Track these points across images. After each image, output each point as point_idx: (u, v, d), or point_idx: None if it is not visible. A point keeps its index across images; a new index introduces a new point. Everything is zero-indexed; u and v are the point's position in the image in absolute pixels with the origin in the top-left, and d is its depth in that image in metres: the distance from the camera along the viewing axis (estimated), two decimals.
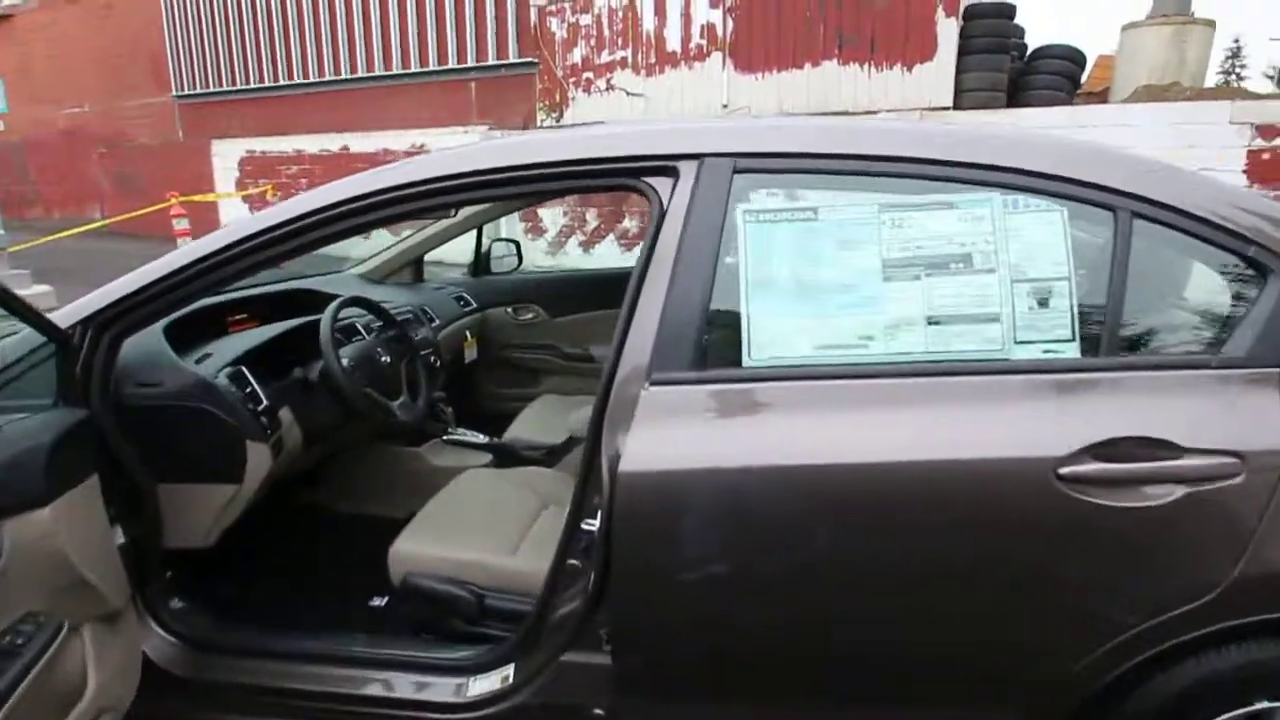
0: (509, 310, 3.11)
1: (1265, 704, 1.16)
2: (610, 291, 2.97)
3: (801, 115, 6.77)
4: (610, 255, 8.09)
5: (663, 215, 1.29)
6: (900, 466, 1.16)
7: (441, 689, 1.48)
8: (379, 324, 2.31)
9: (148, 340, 1.61)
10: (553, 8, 8.31)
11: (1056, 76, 7.04)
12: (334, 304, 2.00)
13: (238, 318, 2.11)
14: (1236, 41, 29.09)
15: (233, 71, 11.23)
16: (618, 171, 1.36)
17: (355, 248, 2.53)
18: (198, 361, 1.75)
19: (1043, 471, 1.11)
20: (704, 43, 7.69)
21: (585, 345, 3.04)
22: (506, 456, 2.43)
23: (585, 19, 8.18)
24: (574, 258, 8.29)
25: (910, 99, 6.90)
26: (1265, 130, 5.70)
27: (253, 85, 11.07)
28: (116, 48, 12.40)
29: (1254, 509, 1.10)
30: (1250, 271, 1.18)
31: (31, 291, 6.15)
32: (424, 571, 1.67)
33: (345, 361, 1.97)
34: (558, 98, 8.48)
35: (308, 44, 10.38)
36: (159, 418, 1.57)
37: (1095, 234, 1.20)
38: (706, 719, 1.39)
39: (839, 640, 1.25)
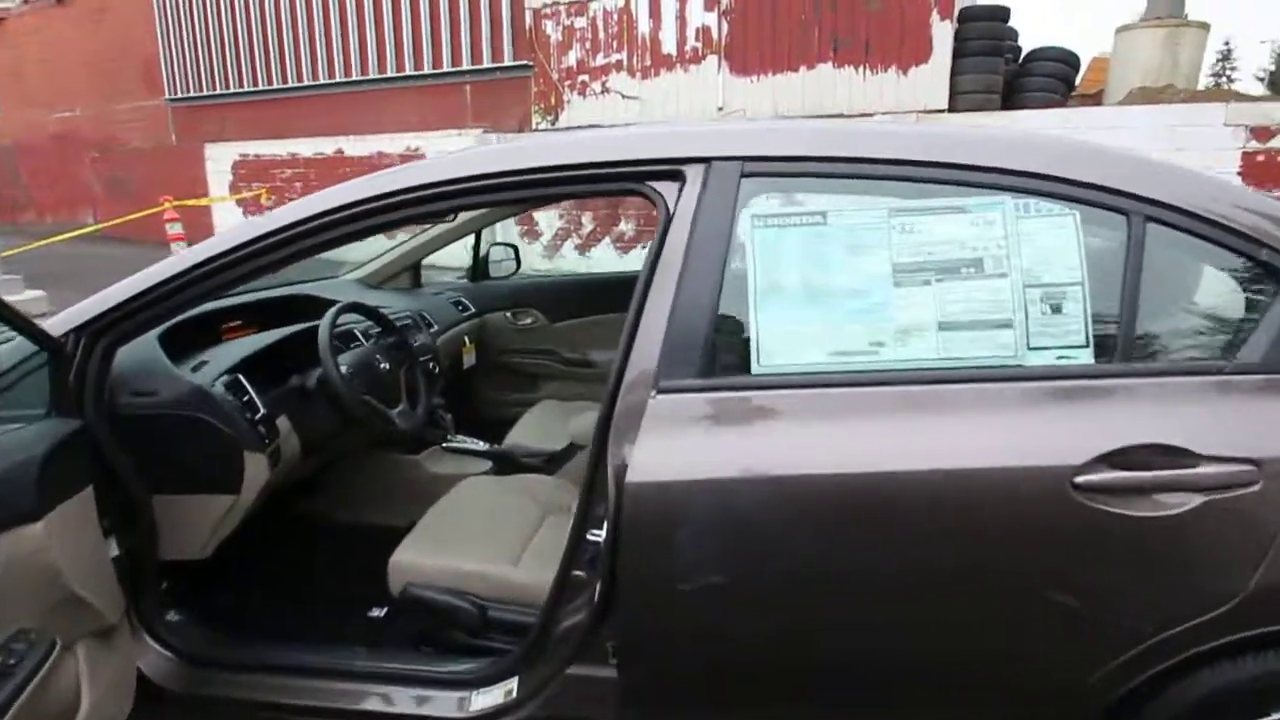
0: (508, 315, 3.09)
1: None
2: (609, 296, 2.98)
3: (805, 118, 6.77)
4: (606, 258, 8.07)
5: (669, 220, 1.27)
6: (914, 476, 1.13)
7: (443, 703, 1.45)
8: (377, 330, 2.29)
9: (143, 348, 1.58)
10: (548, 10, 8.30)
11: (1051, 79, 7.07)
12: (332, 310, 1.98)
13: (232, 324, 2.09)
14: (1227, 44, 29.28)
15: (226, 75, 11.17)
16: (622, 176, 1.34)
17: (351, 252, 2.50)
18: (193, 370, 1.72)
19: (1059, 481, 1.09)
20: (699, 45, 7.69)
21: (584, 350, 3.02)
22: (506, 463, 2.40)
23: (580, 22, 8.17)
24: (570, 261, 8.27)
25: (905, 101, 6.91)
26: (1259, 132, 5.72)
27: (246, 89, 11.02)
28: (109, 51, 12.33)
29: (1272, 517, 1.08)
30: (1264, 275, 1.16)
31: (24, 297, 6.10)
32: (424, 583, 1.64)
33: (344, 369, 1.94)
34: (553, 101, 8.47)
35: (302, 47, 10.33)
36: (155, 427, 1.54)
37: (1108, 238, 1.19)
38: None
39: (853, 650, 1.23)
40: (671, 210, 1.27)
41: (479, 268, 3.13)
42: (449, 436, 2.48)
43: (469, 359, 2.93)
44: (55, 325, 1.40)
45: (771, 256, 1.24)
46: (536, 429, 2.55)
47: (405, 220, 1.42)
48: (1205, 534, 1.10)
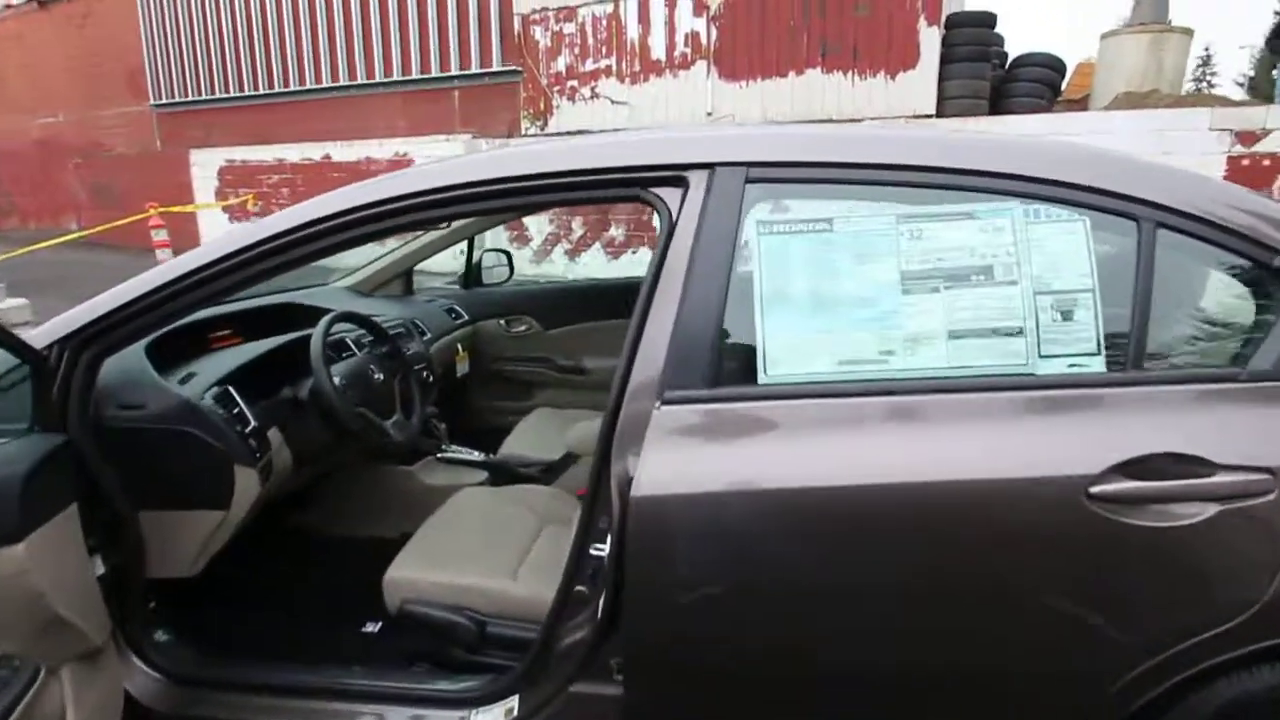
0: (501, 322, 3.05)
1: None
2: (604, 302, 2.96)
3: (798, 123, 6.78)
4: (596, 263, 8.05)
5: (672, 227, 1.24)
6: (927, 487, 1.11)
7: None
8: (370, 339, 2.25)
9: (129, 360, 1.53)
10: (537, 16, 8.28)
11: (1037, 84, 7.11)
12: (325, 319, 1.94)
13: (220, 333, 2.04)
14: (1207, 50, 29.70)
15: (212, 80, 11.08)
16: (624, 182, 1.31)
17: (342, 259, 2.46)
18: (181, 381, 1.68)
19: (1074, 491, 1.07)
20: (688, 51, 7.69)
21: (579, 357, 2.99)
22: (502, 474, 2.36)
23: (569, 27, 8.16)
24: (560, 266, 8.23)
25: (894, 107, 6.93)
26: (1244, 136, 5.77)
27: (233, 93, 10.93)
28: (92, 56, 12.21)
29: None
30: (1276, 281, 1.15)
31: (6, 305, 6.00)
32: (421, 599, 1.60)
33: (337, 380, 1.90)
34: (542, 106, 8.44)
35: (288, 51, 10.26)
36: (142, 442, 1.50)
37: (1118, 244, 1.17)
38: None
39: (867, 665, 1.20)
40: (675, 217, 1.24)
41: (472, 274, 3.10)
42: (443, 447, 2.44)
43: (462, 367, 2.89)
44: (38, 337, 1.36)
45: (777, 264, 1.21)
46: (532, 438, 2.51)
47: (404, 227, 1.39)
48: (1222, 543, 1.08)
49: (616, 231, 7.96)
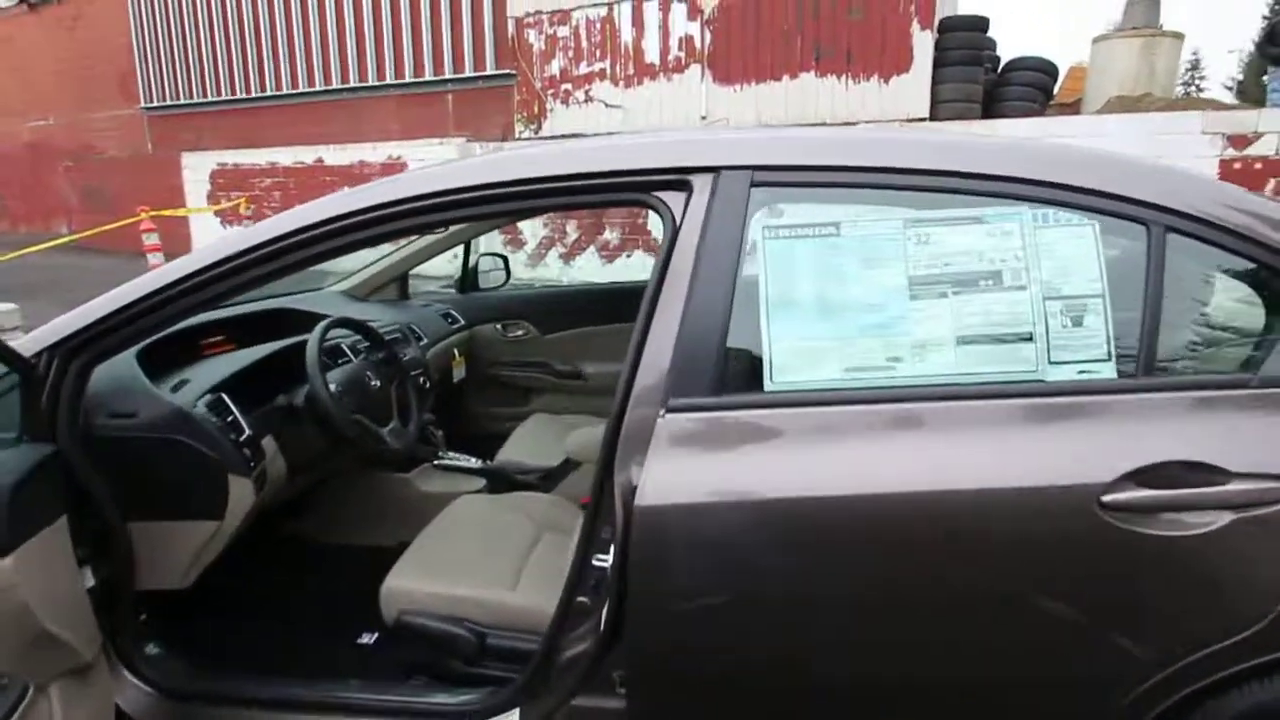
0: (498, 327, 3.02)
1: None
2: (601, 307, 2.94)
3: (792, 126, 6.78)
4: (591, 267, 8.02)
5: (676, 231, 1.22)
6: (938, 496, 1.09)
7: None
8: (366, 345, 2.22)
9: (120, 367, 1.50)
10: (530, 19, 8.26)
11: (1029, 88, 7.13)
12: (321, 325, 1.91)
13: (213, 340, 2.01)
14: (1195, 54, 29.92)
15: (203, 82, 11.00)
16: (626, 185, 1.29)
17: (336, 263, 2.43)
18: (174, 389, 1.65)
19: (1085, 500, 1.06)
20: (682, 55, 7.69)
21: (576, 362, 2.97)
22: (500, 481, 2.34)
23: (563, 31, 8.14)
24: (555, 270, 8.21)
25: (888, 110, 6.95)
26: (1236, 140, 5.80)
27: (225, 97, 10.86)
28: (83, 59, 12.11)
29: None
30: None
31: None
32: (419, 610, 1.58)
33: (333, 387, 1.87)
34: (536, 109, 8.42)
35: (280, 54, 10.20)
36: (133, 451, 1.46)
37: (1128, 249, 1.16)
38: None
39: (876, 676, 1.18)
40: (679, 221, 1.22)
41: (468, 278, 3.07)
42: (440, 453, 2.41)
43: (459, 372, 2.86)
44: (27, 344, 1.32)
45: (783, 269, 1.19)
46: (529, 444, 2.48)
47: (402, 231, 1.36)
48: (1235, 552, 1.07)
49: (611, 235, 7.95)
